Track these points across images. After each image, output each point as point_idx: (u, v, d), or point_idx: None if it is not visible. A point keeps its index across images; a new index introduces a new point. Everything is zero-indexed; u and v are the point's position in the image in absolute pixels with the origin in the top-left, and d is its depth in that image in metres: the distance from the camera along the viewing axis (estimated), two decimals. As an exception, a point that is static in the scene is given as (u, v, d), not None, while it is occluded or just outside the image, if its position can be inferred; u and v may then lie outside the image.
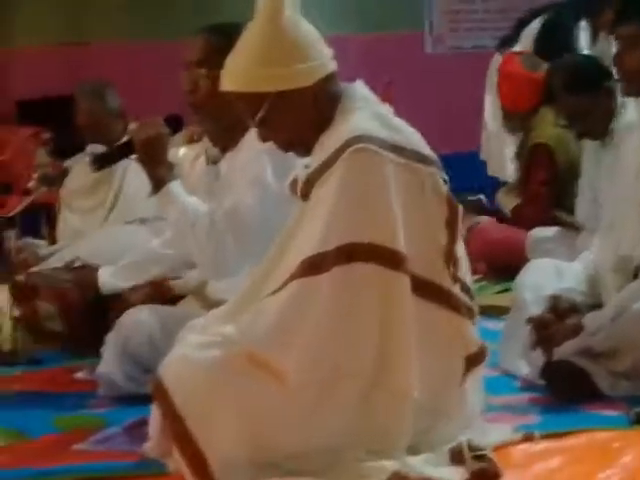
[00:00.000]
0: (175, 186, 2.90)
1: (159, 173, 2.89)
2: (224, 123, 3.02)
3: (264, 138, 2.52)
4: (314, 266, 2.29)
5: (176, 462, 2.34)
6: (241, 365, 2.29)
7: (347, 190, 2.32)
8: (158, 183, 2.89)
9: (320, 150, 2.42)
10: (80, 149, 4.34)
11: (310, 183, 2.42)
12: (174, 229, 3.01)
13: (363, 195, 2.32)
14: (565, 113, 4.16)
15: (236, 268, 2.91)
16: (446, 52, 8.94)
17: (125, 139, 4.03)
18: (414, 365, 2.32)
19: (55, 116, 6.48)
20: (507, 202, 5.05)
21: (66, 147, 5.19)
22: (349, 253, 2.29)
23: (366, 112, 2.43)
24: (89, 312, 3.74)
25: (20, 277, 4.03)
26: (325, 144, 2.41)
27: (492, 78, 5.40)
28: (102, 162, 3.10)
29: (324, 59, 2.46)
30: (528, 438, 2.53)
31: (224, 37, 2.94)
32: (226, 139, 3.06)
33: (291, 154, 2.76)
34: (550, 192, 4.70)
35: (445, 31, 8.86)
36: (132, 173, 4.47)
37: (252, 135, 2.92)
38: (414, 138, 2.45)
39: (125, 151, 3.04)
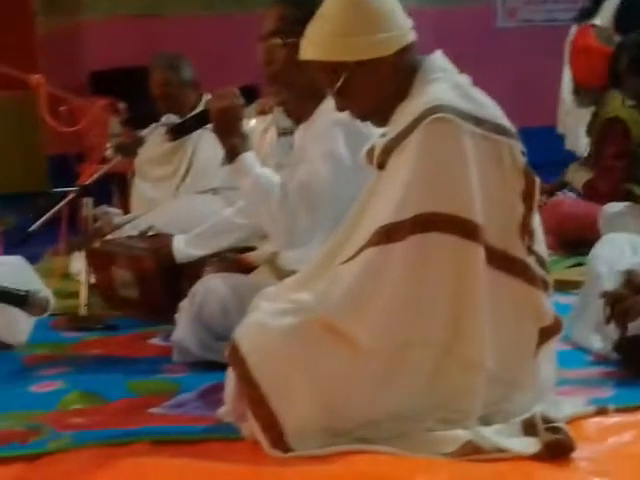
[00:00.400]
0: (249, 157, 2.92)
1: (233, 143, 2.91)
2: (299, 94, 3.03)
3: (342, 108, 2.53)
4: (389, 234, 2.30)
5: (250, 427, 2.37)
6: (315, 332, 2.31)
7: (424, 159, 2.33)
8: (232, 153, 2.92)
9: (397, 120, 2.43)
10: (154, 119, 4.39)
11: (387, 152, 2.42)
12: (247, 199, 3.04)
13: (440, 164, 2.32)
14: (630, 94, 4.10)
15: (307, 239, 2.92)
16: (518, 26, 8.86)
17: (200, 109, 4.09)
18: (487, 335, 2.32)
19: (129, 87, 6.57)
20: (578, 177, 5.01)
21: (140, 117, 5.26)
22: (425, 222, 2.29)
23: (445, 83, 2.43)
24: (163, 279, 3.79)
25: (96, 245, 4.10)
26: (403, 114, 2.42)
27: (569, 51, 5.34)
28: (178, 132, 3.14)
29: (404, 29, 2.46)
30: (602, 411, 2.52)
31: (299, 7, 2.95)
32: (301, 110, 3.07)
33: (364, 126, 2.78)
34: (623, 166, 4.65)
35: (518, 4, 8.77)
36: (205, 143, 4.52)
37: (326, 107, 2.94)
38: (493, 109, 2.44)
39: (200, 121, 3.07)
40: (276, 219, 2.88)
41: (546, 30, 8.66)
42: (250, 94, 3.06)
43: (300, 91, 3.01)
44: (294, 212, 2.87)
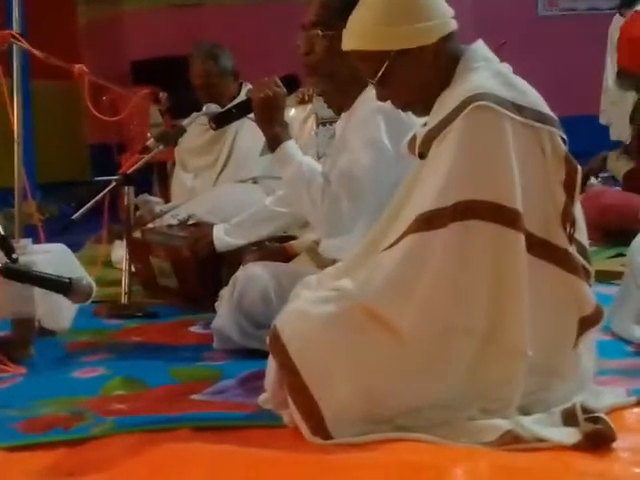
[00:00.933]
0: (291, 145, 2.93)
1: (275, 132, 2.93)
2: (339, 84, 3.03)
3: (384, 97, 2.53)
4: (430, 221, 2.31)
5: (291, 414, 2.38)
6: (357, 320, 2.32)
7: (466, 147, 2.32)
8: (274, 142, 2.93)
9: (439, 109, 2.43)
10: (194, 108, 4.41)
11: (428, 141, 2.42)
12: (288, 188, 3.05)
13: (482, 152, 2.32)
14: None
15: (350, 227, 2.93)
16: (559, 14, 8.79)
17: (243, 98, 4.10)
18: (527, 323, 2.32)
19: (169, 76, 6.60)
20: (619, 167, 4.98)
21: (180, 106, 5.28)
22: (466, 210, 2.29)
23: (487, 71, 2.43)
24: (202, 269, 3.82)
25: (136, 234, 4.13)
26: (444, 103, 2.42)
27: (613, 40, 5.30)
28: (221, 121, 3.16)
29: (445, 18, 2.46)
30: (643, 402, 2.51)
31: None
32: (341, 100, 3.07)
33: (405, 115, 2.78)
34: (666, 157, 4.62)
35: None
36: (245, 132, 4.54)
37: (367, 95, 2.94)
38: (534, 97, 2.43)
39: (243, 110, 3.09)
40: (318, 207, 2.89)
41: (587, 19, 8.60)
42: (291, 83, 3.07)
43: (340, 81, 3.01)
44: (336, 200, 2.88)
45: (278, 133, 2.93)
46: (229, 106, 3.08)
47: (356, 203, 2.89)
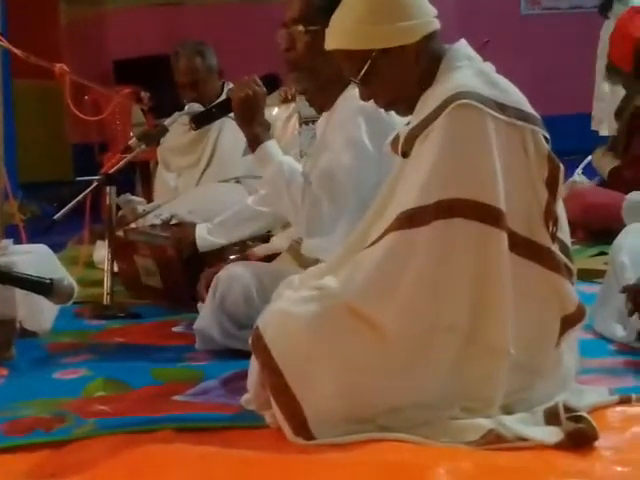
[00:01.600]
0: (271, 145, 2.92)
1: (255, 132, 2.92)
2: (321, 81, 3.02)
3: (366, 96, 2.53)
4: (413, 219, 2.31)
5: (273, 415, 2.38)
6: (339, 319, 2.32)
7: (449, 145, 2.33)
8: (254, 142, 2.93)
9: (422, 107, 2.43)
10: (177, 108, 4.40)
11: (411, 139, 2.42)
12: (269, 188, 3.04)
13: (465, 151, 2.32)
14: None
15: (331, 227, 2.92)
16: (542, 12, 8.81)
17: (223, 97, 4.09)
18: (510, 322, 2.32)
19: (151, 75, 6.59)
20: (604, 164, 4.98)
21: (162, 106, 5.27)
22: (449, 208, 2.29)
23: (469, 70, 2.43)
24: (186, 268, 3.81)
25: (119, 233, 4.12)
26: (427, 101, 2.42)
27: (604, 40, 5.32)
28: (201, 121, 3.15)
29: (428, 17, 2.46)
30: (625, 400, 2.51)
31: None
32: (322, 98, 3.07)
33: (386, 115, 2.78)
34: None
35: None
36: (227, 132, 4.53)
37: (348, 95, 2.93)
38: (517, 96, 2.44)
39: (223, 109, 3.08)
40: (298, 207, 2.88)
41: (570, 17, 8.62)
42: (272, 82, 3.06)
43: (322, 79, 3.00)
44: (317, 200, 2.87)
45: (258, 133, 2.92)
46: (209, 106, 3.07)
47: (337, 204, 2.89)
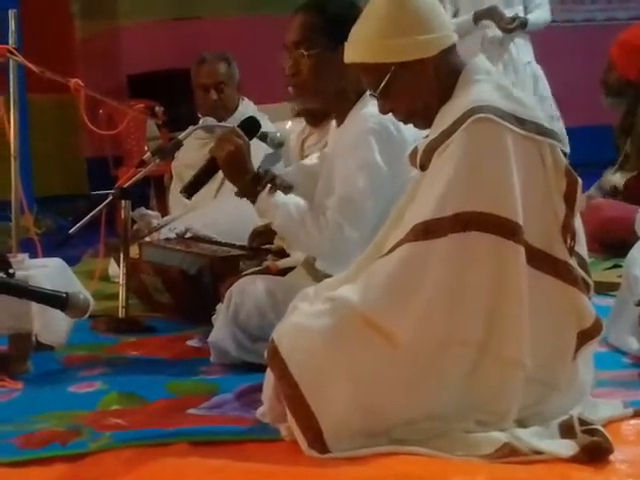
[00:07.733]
0: (266, 195, 2.88)
1: (246, 183, 2.88)
2: (327, 101, 3.04)
3: (385, 110, 2.54)
4: (428, 231, 2.31)
5: (288, 428, 2.39)
6: (354, 330, 2.32)
7: (467, 158, 2.34)
8: (249, 194, 2.88)
9: (441, 121, 2.44)
10: (191, 122, 4.42)
11: (430, 152, 2.43)
12: (284, 232, 3.00)
13: (482, 164, 2.33)
14: None
15: (355, 250, 2.89)
16: (556, 25, 8.80)
17: (242, 114, 4.11)
18: (526, 335, 2.32)
19: (166, 90, 6.61)
20: (616, 178, 4.97)
21: (177, 120, 5.29)
22: (466, 221, 2.30)
23: (488, 84, 2.44)
24: (193, 285, 3.81)
25: (134, 249, 4.12)
26: (445, 115, 2.43)
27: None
28: (192, 188, 3.05)
29: (446, 31, 2.48)
30: (639, 414, 2.51)
31: (322, 14, 2.97)
32: (321, 117, 3.06)
33: (397, 132, 2.79)
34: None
35: (555, 4, 8.71)
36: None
37: (358, 112, 2.94)
38: (535, 110, 2.45)
39: (210, 170, 3.01)
40: (319, 241, 2.89)
41: (584, 29, 8.62)
42: (252, 126, 3.10)
43: (328, 99, 3.02)
44: (338, 227, 2.86)
45: (249, 184, 2.89)
46: (195, 173, 3.03)
47: (358, 227, 2.87)
